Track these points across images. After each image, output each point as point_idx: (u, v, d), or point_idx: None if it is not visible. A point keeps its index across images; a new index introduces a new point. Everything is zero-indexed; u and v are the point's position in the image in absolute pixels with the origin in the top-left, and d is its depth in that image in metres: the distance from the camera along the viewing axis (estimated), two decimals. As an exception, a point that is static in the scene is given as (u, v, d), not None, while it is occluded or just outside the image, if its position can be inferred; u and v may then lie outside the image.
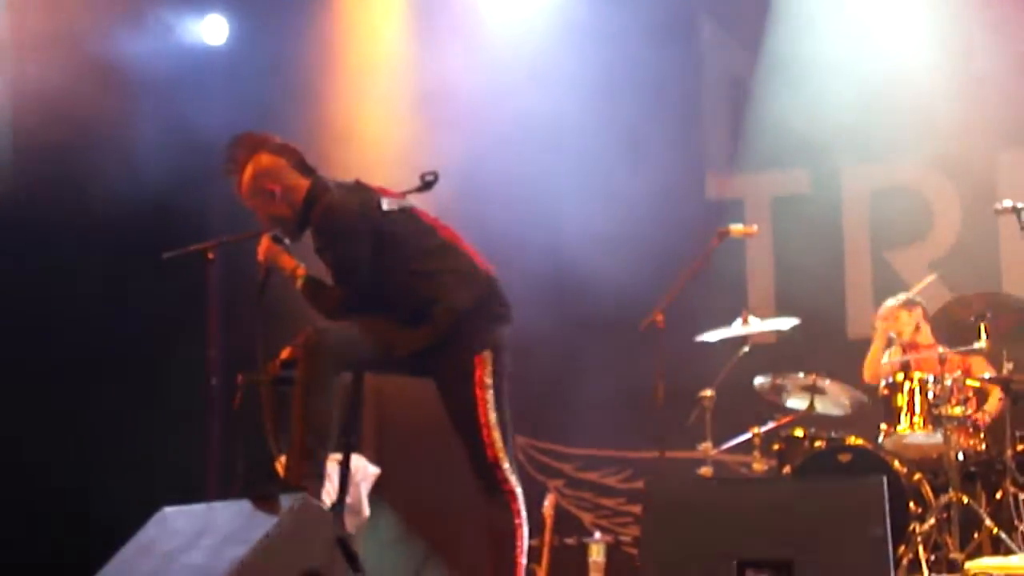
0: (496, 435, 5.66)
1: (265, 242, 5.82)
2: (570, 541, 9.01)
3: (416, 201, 5.84)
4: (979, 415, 7.85)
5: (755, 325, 8.20)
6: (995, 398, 7.98)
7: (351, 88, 9.98)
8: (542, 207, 9.44)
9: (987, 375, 7.92)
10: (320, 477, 5.46)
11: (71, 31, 8.56)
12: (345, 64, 10.02)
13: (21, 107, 8.52)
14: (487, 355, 5.67)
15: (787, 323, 8.34)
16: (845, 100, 9.34)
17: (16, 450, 7.95)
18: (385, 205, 5.69)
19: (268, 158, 5.76)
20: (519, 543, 5.68)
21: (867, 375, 8.41)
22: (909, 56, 9.35)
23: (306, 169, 5.80)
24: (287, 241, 5.82)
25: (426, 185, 5.83)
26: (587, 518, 9.53)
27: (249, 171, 5.74)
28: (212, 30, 9.99)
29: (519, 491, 5.70)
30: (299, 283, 5.77)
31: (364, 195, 5.74)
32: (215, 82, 9.44)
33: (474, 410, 5.64)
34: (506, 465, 5.68)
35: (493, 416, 5.66)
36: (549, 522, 8.92)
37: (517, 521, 5.69)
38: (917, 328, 8.43)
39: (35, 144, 8.50)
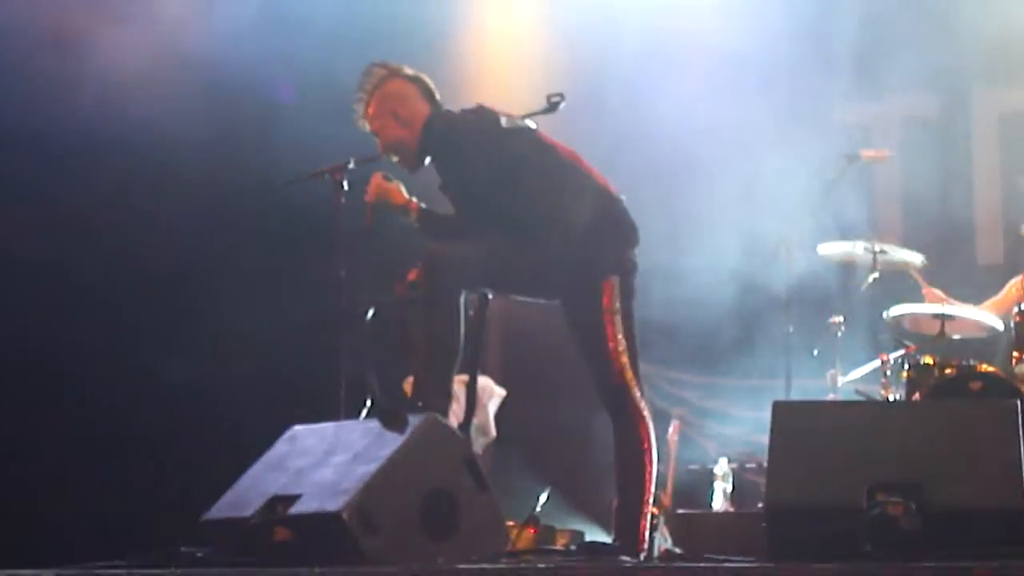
0: (624, 359, 5.65)
1: (375, 180, 5.89)
2: (695, 467, 9.00)
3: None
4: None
5: (882, 255, 8.09)
6: None
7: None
8: (667, 132, 9.35)
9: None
10: (447, 397, 5.50)
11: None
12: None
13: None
14: (614, 279, 5.66)
15: (915, 257, 8.23)
16: (976, 23, 9.13)
17: (152, 368, 8.10)
18: (505, 123, 5.70)
19: (397, 84, 5.89)
20: (647, 466, 5.68)
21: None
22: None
23: (433, 100, 5.90)
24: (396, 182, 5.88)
25: (552, 106, 5.82)
26: (711, 446, 9.51)
27: (377, 95, 5.86)
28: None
29: (647, 414, 5.70)
30: (414, 215, 5.85)
31: (485, 114, 5.77)
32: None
33: (602, 334, 5.64)
34: (635, 389, 5.67)
35: (622, 340, 5.65)
36: (674, 449, 8.91)
37: (645, 445, 5.69)
38: None
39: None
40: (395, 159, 5.94)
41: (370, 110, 5.87)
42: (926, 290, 8.32)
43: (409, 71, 5.94)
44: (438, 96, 5.94)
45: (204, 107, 8.40)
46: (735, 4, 9.45)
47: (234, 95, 8.41)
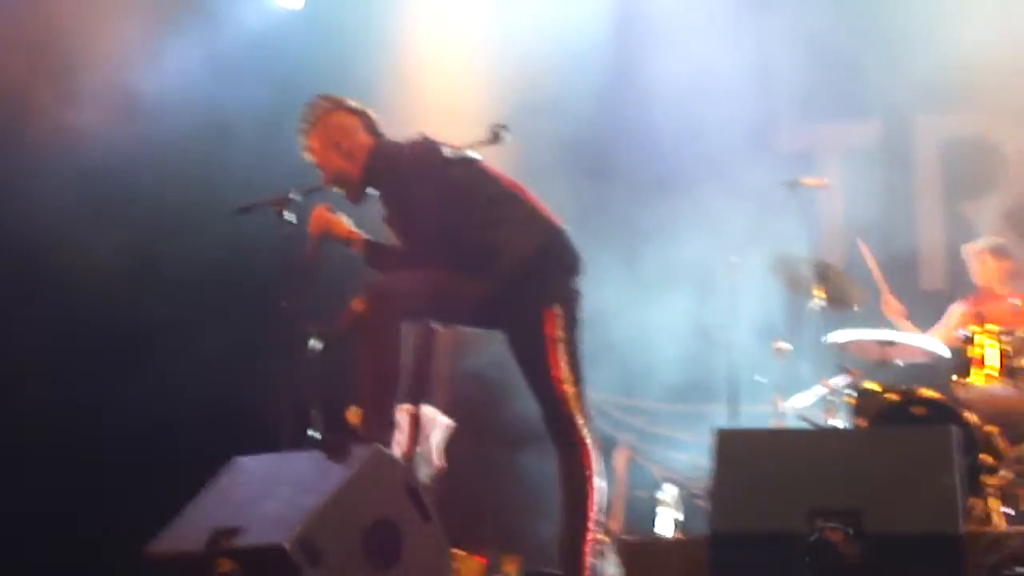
0: (568, 388, 5.68)
1: (318, 212, 5.90)
2: (641, 494, 9.02)
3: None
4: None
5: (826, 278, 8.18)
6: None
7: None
8: (610, 160, 9.43)
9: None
10: (390, 427, 5.51)
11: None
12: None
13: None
14: (557, 309, 5.68)
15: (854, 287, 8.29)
16: (918, 49, 9.22)
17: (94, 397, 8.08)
18: (448, 153, 5.73)
19: (340, 116, 5.92)
20: (591, 494, 5.70)
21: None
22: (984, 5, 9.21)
23: (376, 132, 5.95)
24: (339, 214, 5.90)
25: (495, 137, 5.85)
26: (657, 471, 9.53)
27: (320, 127, 5.88)
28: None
29: (591, 442, 5.72)
30: (358, 247, 5.86)
31: (428, 145, 5.80)
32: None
33: (545, 363, 5.66)
34: (579, 418, 5.70)
35: (566, 370, 5.67)
36: (621, 476, 8.93)
37: (588, 472, 5.71)
38: (997, 278, 8.38)
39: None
40: (338, 190, 5.95)
41: (313, 142, 5.90)
42: (886, 297, 8.38)
43: (352, 103, 5.97)
44: (381, 128, 5.97)
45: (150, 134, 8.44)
46: (679, 34, 9.50)
47: (180, 125, 8.45)
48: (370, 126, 5.94)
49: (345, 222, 5.92)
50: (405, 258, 5.78)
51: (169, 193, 8.43)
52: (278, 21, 9.40)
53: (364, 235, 5.91)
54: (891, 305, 8.40)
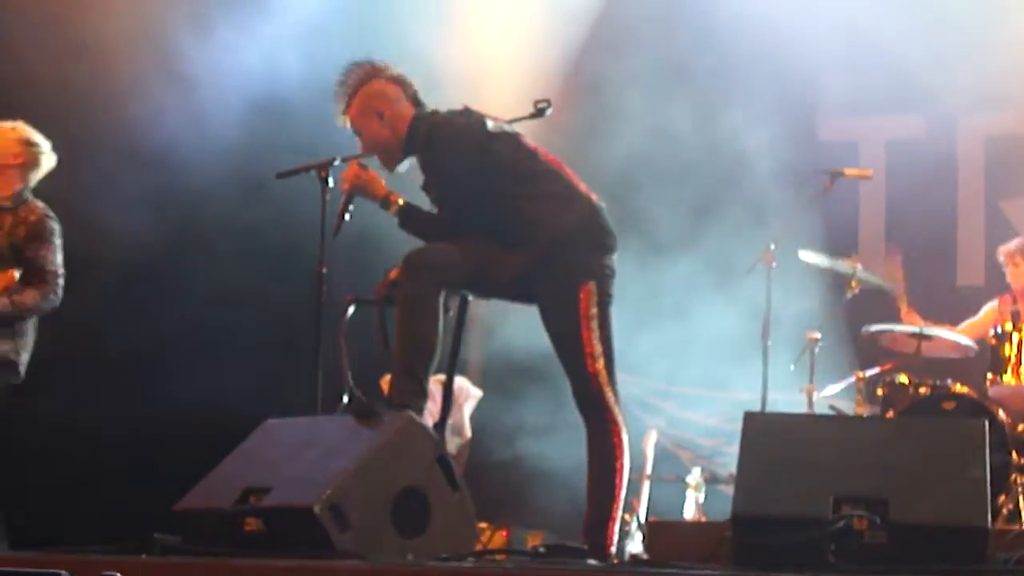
0: (600, 365, 5.68)
1: (353, 169, 5.87)
2: (669, 477, 9.05)
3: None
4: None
5: (860, 273, 8.16)
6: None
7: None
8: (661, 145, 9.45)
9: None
10: (422, 396, 5.53)
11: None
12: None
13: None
14: (592, 286, 5.68)
15: (890, 287, 8.29)
16: (962, 45, 9.19)
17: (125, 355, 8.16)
18: (490, 126, 5.74)
19: (381, 84, 5.89)
20: (619, 473, 5.70)
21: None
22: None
23: (417, 102, 5.92)
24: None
25: (539, 112, 5.87)
26: (685, 456, 9.56)
27: (361, 93, 5.87)
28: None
29: (622, 422, 5.73)
30: (394, 209, 5.82)
31: (470, 116, 5.80)
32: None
33: (579, 340, 5.66)
34: (610, 395, 5.69)
35: (598, 347, 5.67)
36: (648, 458, 8.97)
37: (618, 451, 5.70)
38: None
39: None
40: (376, 158, 5.94)
41: (352, 109, 5.88)
42: (905, 310, 8.37)
43: (393, 71, 5.93)
44: (421, 97, 5.94)
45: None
46: (723, 21, 9.50)
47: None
48: (411, 95, 5.91)
49: (380, 182, 5.88)
50: (441, 227, 5.78)
51: (219, 168, 8.49)
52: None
53: (401, 198, 5.86)
54: (910, 317, 8.37)
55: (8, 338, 6.90)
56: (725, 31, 9.50)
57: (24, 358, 6.97)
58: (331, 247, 5.94)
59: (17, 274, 6.72)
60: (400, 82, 5.92)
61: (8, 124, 7.11)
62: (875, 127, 9.96)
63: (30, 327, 6.99)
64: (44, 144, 7.13)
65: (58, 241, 7.01)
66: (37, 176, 7.12)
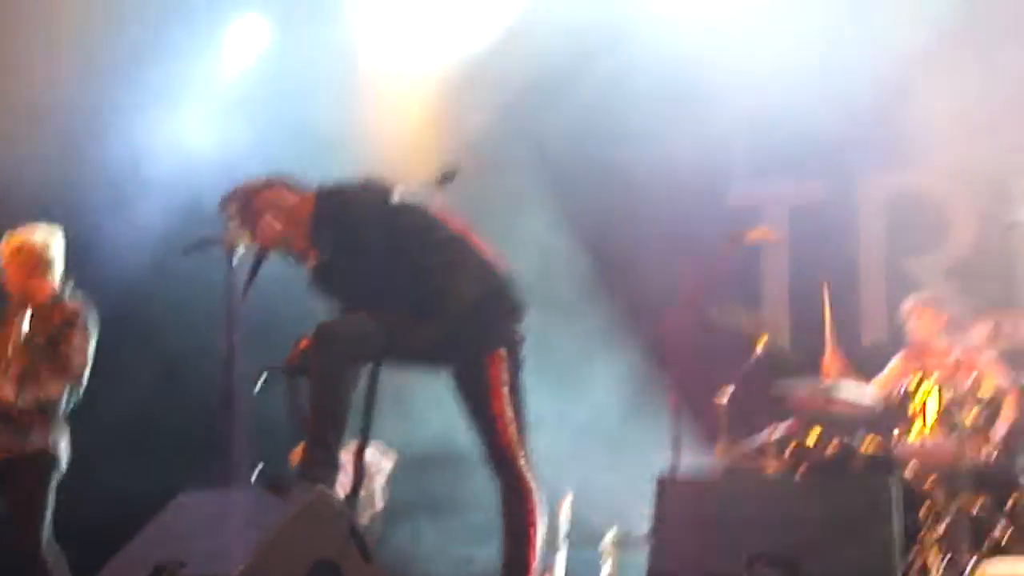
0: (512, 430, 5.71)
1: (270, 222, 5.83)
2: (583, 541, 9.03)
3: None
4: (991, 423, 7.85)
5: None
6: (1008, 405, 7.99)
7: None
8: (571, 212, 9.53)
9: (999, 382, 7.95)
10: (334, 467, 5.51)
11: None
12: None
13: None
14: (502, 352, 5.72)
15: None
16: (859, 108, 9.34)
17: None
18: (396, 196, 5.76)
19: (264, 196, 5.88)
20: (533, 538, 5.72)
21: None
22: (924, 65, 9.33)
23: (304, 187, 5.93)
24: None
25: (445, 179, 5.90)
26: (600, 518, 9.55)
27: (249, 217, 5.84)
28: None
29: (535, 486, 5.74)
30: (311, 264, 5.82)
31: (375, 187, 5.82)
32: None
33: (489, 405, 5.70)
34: (522, 461, 5.73)
35: (510, 412, 5.71)
36: (564, 521, 8.95)
37: (531, 517, 5.73)
38: (935, 332, 8.47)
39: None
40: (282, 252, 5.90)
41: (249, 231, 5.82)
42: (830, 353, 8.43)
43: (263, 179, 5.92)
44: (301, 183, 5.92)
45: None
46: (627, 78, 9.61)
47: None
48: (295, 186, 5.91)
49: (301, 235, 5.85)
50: (351, 295, 5.77)
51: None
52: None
53: (318, 253, 5.83)
54: (834, 361, 8.44)
55: (44, 430, 7.05)
56: (632, 96, 9.58)
57: (62, 448, 7.12)
58: (240, 319, 5.89)
59: None
60: (274, 183, 5.91)
61: (20, 235, 7.27)
62: (778, 192, 10.08)
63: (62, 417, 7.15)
64: (54, 236, 7.34)
65: (90, 333, 7.16)
66: (58, 270, 7.34)
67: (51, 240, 7.33)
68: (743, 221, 9.24)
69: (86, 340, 7.14)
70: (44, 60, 8.82)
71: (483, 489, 5.89)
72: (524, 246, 8.40)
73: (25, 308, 7.18)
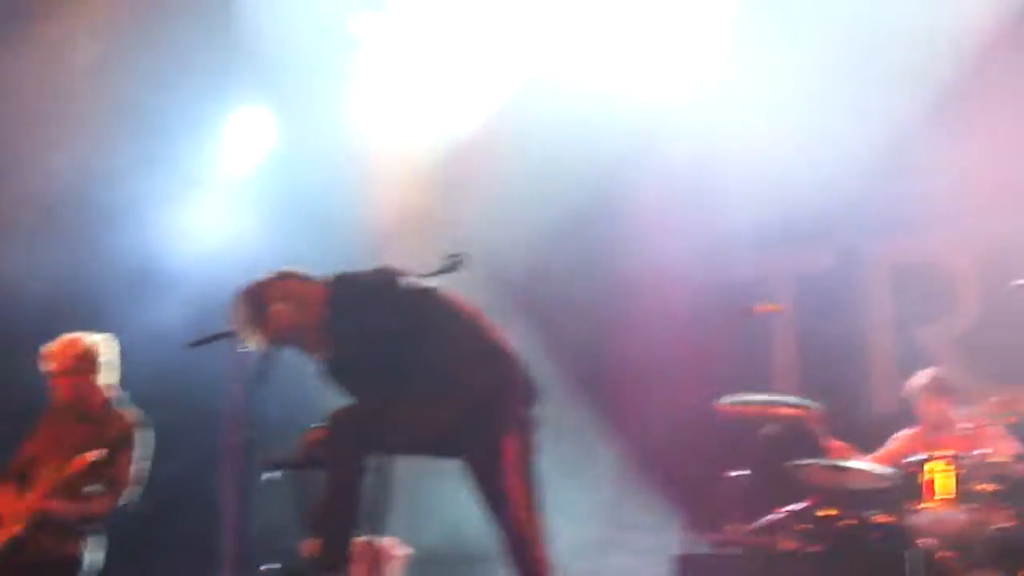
0: (527, 514, 5.68)
1: (286, 313, 5.83)
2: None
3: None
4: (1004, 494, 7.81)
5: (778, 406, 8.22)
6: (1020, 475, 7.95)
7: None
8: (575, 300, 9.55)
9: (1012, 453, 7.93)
10: (346, 560, 5.48)
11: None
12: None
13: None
14: (514, 436, 5.69)
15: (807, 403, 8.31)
16: (863, 174, 9.36)
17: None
18: (406, 283, 5.75)
19: (274, 291, 5.88)
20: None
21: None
22: (927, 133, 9.35)
23: (314, 278, 5.94)
24: None
25: (450, 267, 5.89)
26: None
27: (261, 317, 5.84)
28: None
29: (551, 567, 5.71)
30: (321, 355, 5.79)
31: (386, 275, 5.80)
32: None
33: (504, 491, 5.66)
34: (539, 541, 5.70)
35: (523, 496, 5.68)
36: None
37: (553, 600, 5.69)
38: (942, 412, 8.46)
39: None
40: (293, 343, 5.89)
41: (264, 331, 5.82)
42: (828, 443, 8.41)
43: (272, 274, 5.93)
44: (311, 274, 5.93)
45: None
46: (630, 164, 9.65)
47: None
48: (304, 277, 5.93)
49: (313, 329, 5.82)
50: (362, 385, 5.76)
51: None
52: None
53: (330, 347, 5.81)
54: (834, 448, 8.43)
55: (82, 539, 7.12)
56: (632, 172, 9.63)
57: (96, 557, 7.19)
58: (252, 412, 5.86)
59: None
60: (283, 276, 5.93)
61: (67, 337, 7.36)
62: (783, 261, 10.09)
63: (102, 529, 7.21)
64: (103, 345, 7.38)
65: (140, 451, 7.23)
66: (112, 377, 7.37)
67: (104, 345, 7.36)
68: (750, 293, 9.26)
69: (138, 457, 7.17)
70: (56, 158, 8.89)
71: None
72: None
73: (74, 411, 7.21)
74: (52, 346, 7.36)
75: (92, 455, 6.96)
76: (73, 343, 7.34)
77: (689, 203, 9.64)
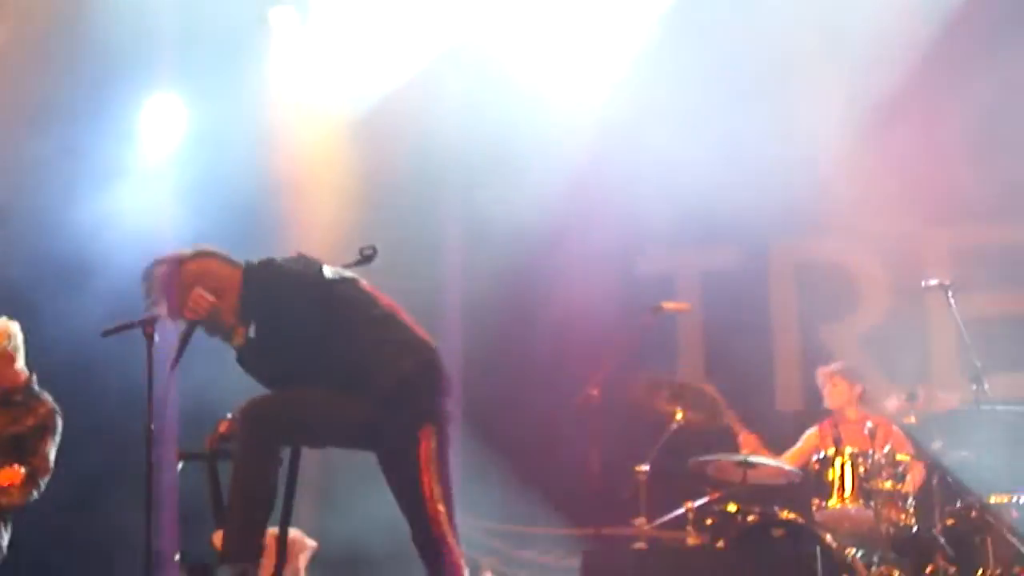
0: (440, 507, 5.66)
1: (201, 295, 5.68)
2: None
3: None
4: (904, 491, 7.93)
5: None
6: (918, 473, 8.08)
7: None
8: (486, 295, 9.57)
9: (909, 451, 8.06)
10: (257, 551, 5.45)
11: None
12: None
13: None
14: (431, 429, 5.68)
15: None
16: (770, 176, 9.44)
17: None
18: (327, 273, 5.72)
19: (191, 266, 5.79)
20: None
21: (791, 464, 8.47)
22: (830, 133, 9.46)
23: (234, 261, 5.85)
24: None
25: (365, 259, 5.87)
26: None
27: (176, 287, 5.73)
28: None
29: (463, 563, 5.71)
30: (239, 341, 5.70)
31: (306, 263, 5.76)
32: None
33: (418, 484, 5.63)
34: (451, 537, 5.68)
35: (437, 490, 5.66)
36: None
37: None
38: (849, 401, 8.58)
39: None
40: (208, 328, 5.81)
41: (173, 305, 5.73)
42: (743, 435, 8.49)
43: (192, 250, 5.84)
44: (234, 257, 5.85)
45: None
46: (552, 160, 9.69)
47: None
48: (224, 259, 5.85)
49: (229, 312, 5.72)
50: (278, 372, 5.71)
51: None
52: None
53: (247, 330, 5.72)
54: (747, 440, 8.51)
55: None
56: (543, 170, 9.65)
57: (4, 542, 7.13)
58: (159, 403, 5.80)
59: (23, 471, 6.86)
60: (205, 255, 5.84)
61: None
62: (691, 259, 10.17)
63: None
64: (14, 325, 7.36)
65: (58, 438, 7.16)
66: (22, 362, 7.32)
67: (13, 329, 7.28)
68: (657, 290, 9.32)
69: (55, 446, 7.11)
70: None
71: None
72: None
73: None
74: None
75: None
76: None
77: (599, 199, 9.67)
